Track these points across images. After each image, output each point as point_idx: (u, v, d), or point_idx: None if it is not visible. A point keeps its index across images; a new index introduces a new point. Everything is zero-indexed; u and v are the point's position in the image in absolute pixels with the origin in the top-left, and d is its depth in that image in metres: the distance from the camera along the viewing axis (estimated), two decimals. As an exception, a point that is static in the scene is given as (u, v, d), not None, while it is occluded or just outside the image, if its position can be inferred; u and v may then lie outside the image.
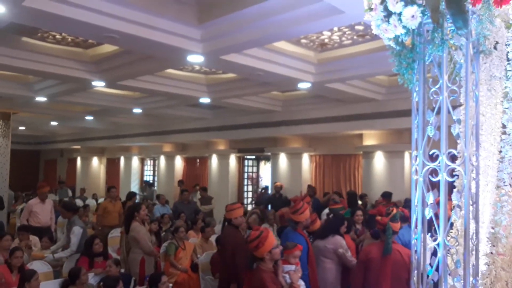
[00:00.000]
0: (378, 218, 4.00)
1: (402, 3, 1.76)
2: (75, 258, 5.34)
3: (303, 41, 5.80)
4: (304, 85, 7.00)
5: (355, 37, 5.53)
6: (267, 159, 12.40)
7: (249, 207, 12.19)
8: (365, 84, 7.55)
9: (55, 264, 5.52)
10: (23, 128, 16.60)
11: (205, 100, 8.66)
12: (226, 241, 4.58)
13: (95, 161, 18.78)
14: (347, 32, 5.39)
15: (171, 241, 5.90)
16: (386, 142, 9.05)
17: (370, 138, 9.44)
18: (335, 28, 5.22)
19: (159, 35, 4.68)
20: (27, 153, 21.26)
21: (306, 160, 10.84)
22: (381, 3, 1.84)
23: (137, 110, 10.56)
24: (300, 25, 4.25)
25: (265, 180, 12.75)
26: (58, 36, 5.85)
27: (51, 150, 21.61)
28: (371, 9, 1.92)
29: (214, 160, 13.04)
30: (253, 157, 12.88)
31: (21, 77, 8.14)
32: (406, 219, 4.34)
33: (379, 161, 9.16)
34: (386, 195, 7.97)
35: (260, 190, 11.66)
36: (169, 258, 5.67)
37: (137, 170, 16.94)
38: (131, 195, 8.58)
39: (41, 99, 8.98)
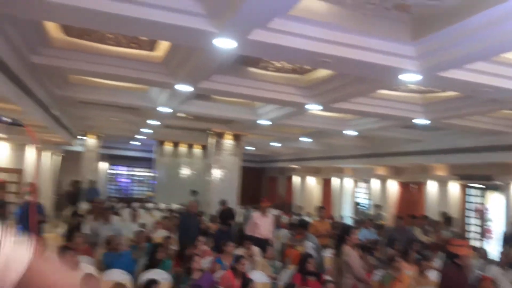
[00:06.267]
0: None
1: None
2: (291, 273, 5.64)
3: (547, 48, 4.80)
4: (548, 102, 5.81)
5: None
6: (496, 189, 10.67)
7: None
8: None
9: (274, 276, 5.93)
10: (251, 148, 18.80)
11: (421, 121, 8.08)
12: (448, 282, 4.02)
13: (310, 180, 19.79)
14: None
15: (389, 272, 5.65)
16: None
17: None
18: None
19: (371, 56, 4.57)
20: (253, 170, 23.94)
21: (551, 193, 8.92)
22: None
23: (350, 132, 10.62)
24: (542, 30, 3.52)
25: (493, 213, 10.95)
26: (278, 65, 6.41)
27: (273, 168, 23.78)
28: None
29: (431, 187, 12.00)
30: (479, 185, 11.28)
31: (248, 103, 9.25)
32: None
33: None
34: None
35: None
36: (383, 288, 5.44)
37: (349, 192, 17.03)
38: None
39: (264, 122, 9.96)
